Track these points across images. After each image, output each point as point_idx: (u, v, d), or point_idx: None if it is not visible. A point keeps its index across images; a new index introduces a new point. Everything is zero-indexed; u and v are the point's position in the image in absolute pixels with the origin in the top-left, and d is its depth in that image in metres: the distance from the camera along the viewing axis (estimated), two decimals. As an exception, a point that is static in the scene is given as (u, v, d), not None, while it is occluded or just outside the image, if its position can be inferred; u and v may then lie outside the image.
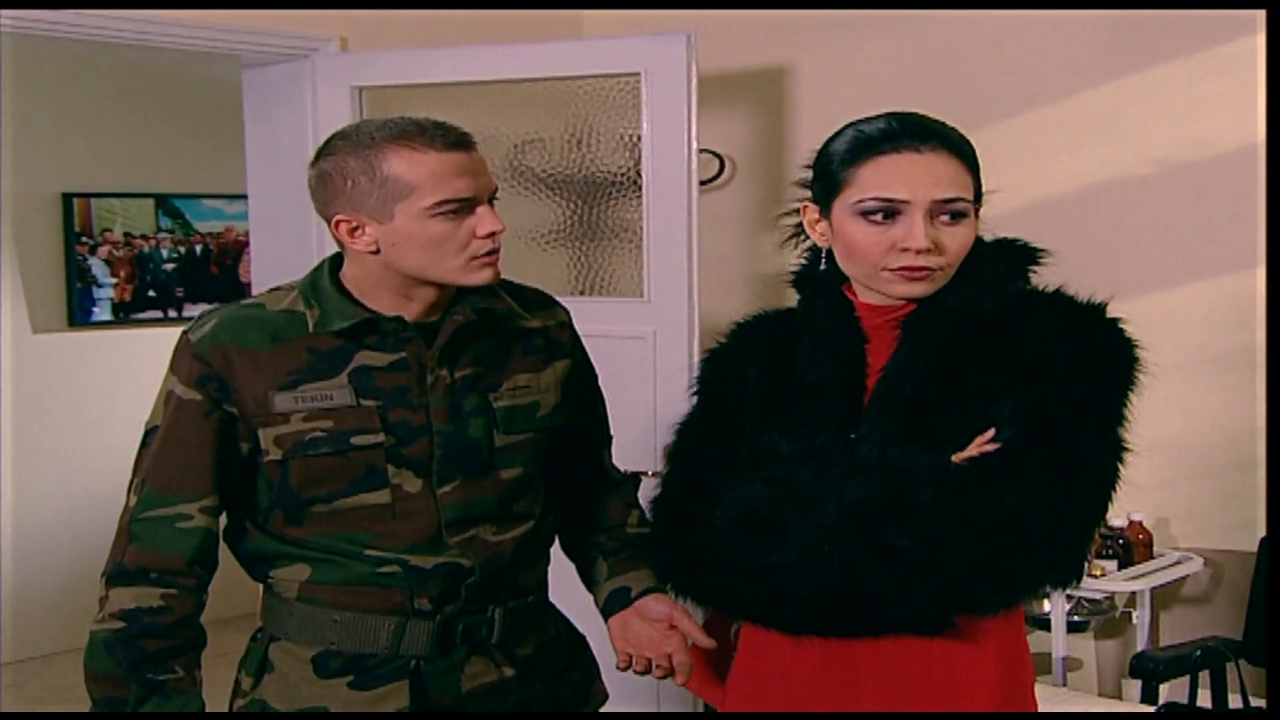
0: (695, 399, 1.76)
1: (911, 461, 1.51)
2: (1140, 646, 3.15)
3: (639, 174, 3.13)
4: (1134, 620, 3.20)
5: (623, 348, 3.05)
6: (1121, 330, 1.54)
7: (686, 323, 3.07)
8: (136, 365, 4.95)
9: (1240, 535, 3.14)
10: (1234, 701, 2.88)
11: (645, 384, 3.09)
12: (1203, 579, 3.23)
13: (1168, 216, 3.19)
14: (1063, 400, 1.50)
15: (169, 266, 5.24)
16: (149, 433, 1.72)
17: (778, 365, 1.67)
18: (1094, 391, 1.51)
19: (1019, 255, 1.62)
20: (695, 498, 1.65)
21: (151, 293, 5.19)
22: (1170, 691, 2.98)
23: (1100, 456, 1.51)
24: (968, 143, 1.58)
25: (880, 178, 1.54)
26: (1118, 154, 3.20)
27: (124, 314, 5.12)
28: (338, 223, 1.68)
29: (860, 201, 1.55)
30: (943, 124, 1.58)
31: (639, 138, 3.10)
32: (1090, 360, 1.52)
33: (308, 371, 1.69)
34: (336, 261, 1.77)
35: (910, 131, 1.55)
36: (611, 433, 2.00)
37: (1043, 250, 1.62)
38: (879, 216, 1.54)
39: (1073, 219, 3.21)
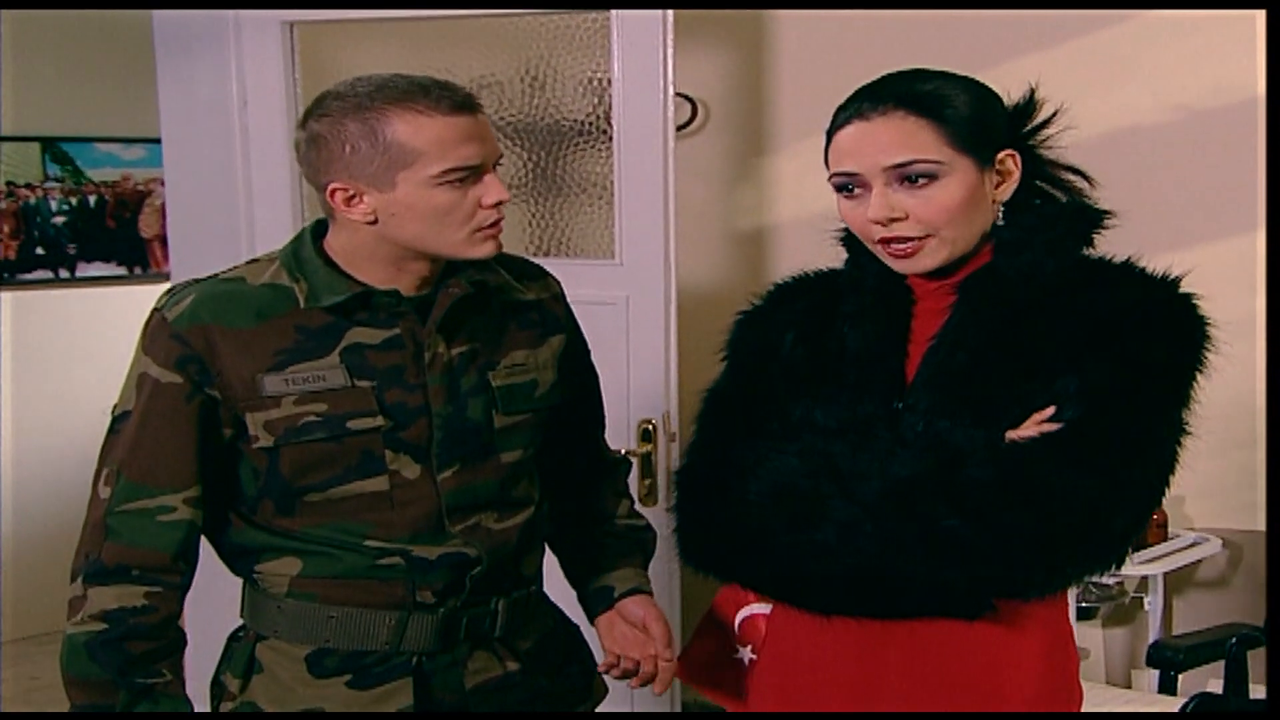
0: (725, 363, 1.86)
1: (963, 437, 1.61)
2: (1153, 634, 3.28)
3: (608, 121, 3.17)
4: (1146, 606, 3.33)
5: (591, 315, 3.03)
6: (1196, 308, 1.64)
7: (663, 287, 3.12)
8: (25, 333, 4.93)
9: (1260, 514, 3.27)
10: (1257, 691, 3.01)
11: (617, 356, 3.14)
12: (1220, 561, 3.37)
13: (1186, 168, 3.29)
14: (1134, 382, 1.59)
15: (59, 220, 5.21)
16: (119, 419, 1.79)
17: (818, 330, 1.77)
18: (1166, 374, 1.61)
19: (1082, 218, 1.71)
20: (722, 469, 1.74)
21: (40, 250, 5.17)
22: (1185, 682, 3.10)
23: (1166, 441, 1.60)
24: (949, 94, 1.65)
25: (835, 153, 1.69)
26: (1133, 99, 3.29)
27: (9, 274, 5.10)
28: (332, 190, 1.74)
29: (831, 178, 1.69)
30: (917, 78, 1.67)
31: (608, 80, 3.14)
32: (1164, 341, 1.61)
33: (296, 351, 1.76)
34: (318, 230, 1.83)
35: (866, 98, 1.66)
36: (604, 412, 2.07)
37: (1108, 212, 1.72)
38: (850, 191, 1.67)
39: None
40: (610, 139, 3.15)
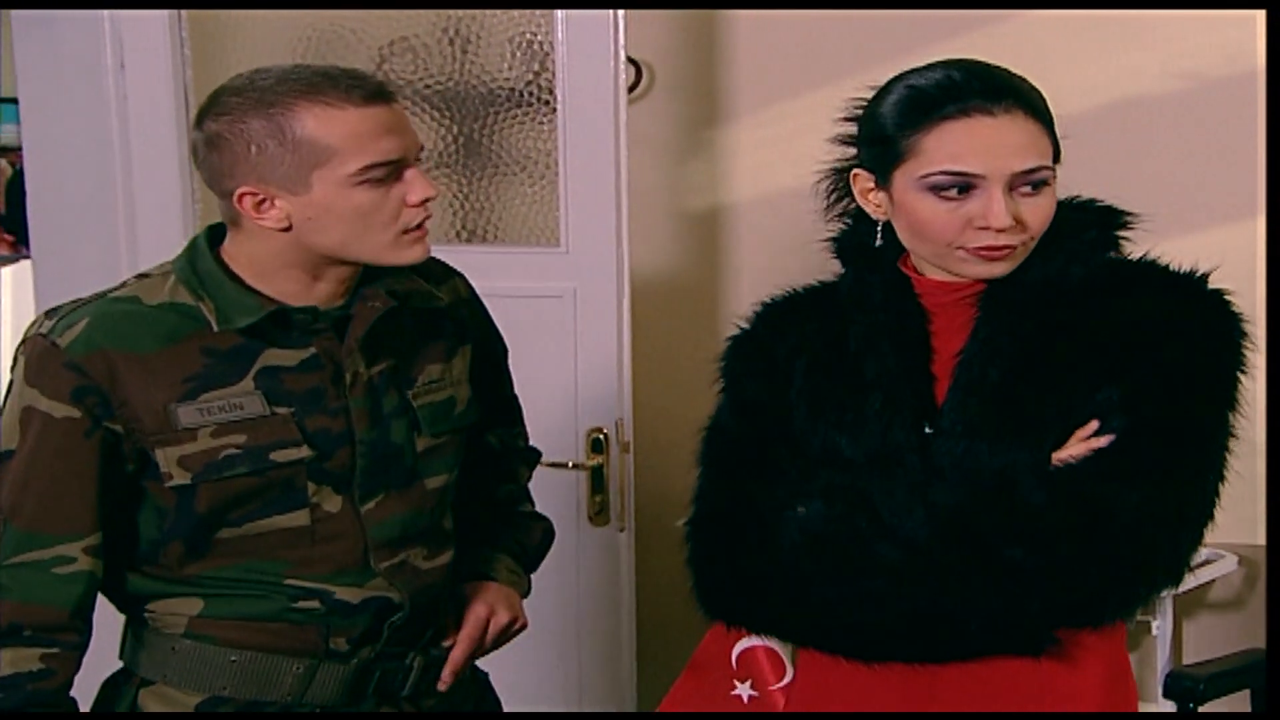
0: (723, 395, 1.98)
1: (1007, 459, 1.74)
2: (1162, 661, 3.44)
3: (547, 88, 3.26)
4: (1153, 631, 3.48)
5: (533, 310, 3.18)
6: (1229, 304, 1.80)
7: (615, 277, 3.21)
8: None
9: (1264, 530, 3.43)
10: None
11: (563, 356, 3.23)
12: (1234, 580, 3.54)
13: (1195, 143, 3.45)
14: (1178, 387, 1.74)
15: (-122, 198, 5.17)
16: None
17: (829, 356, 1.88)
18: (1211, 378, 1.76)
19: (1107, 219, 1.85)
20: (741, 516, 1.86)
21: None
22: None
23: (1219, 447, 1.76)
24: (1041, 95, 1.80)
25: (949, 148, 1.74)
26: (1138, 65, 3.45)
27: None
28: (241, 196, 1.82)
29: (927, 175, 1.76)
30: (1011, 74, 1.80)
31: (550, 41, 3.23)
32: (1203, 341, 1.77)
33: (206, 377, 1.84)
34: (213, 238, 1.91)
35: (979, 89, 1.75)
36: (514, 411, 2.25)
37: (1130, 213, 1.86)
38: (952, 191, 1.75)
39: (1082, 144, 3.43)
40: (552, 109, 3.24)
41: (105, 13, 3.39)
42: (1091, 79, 3.49)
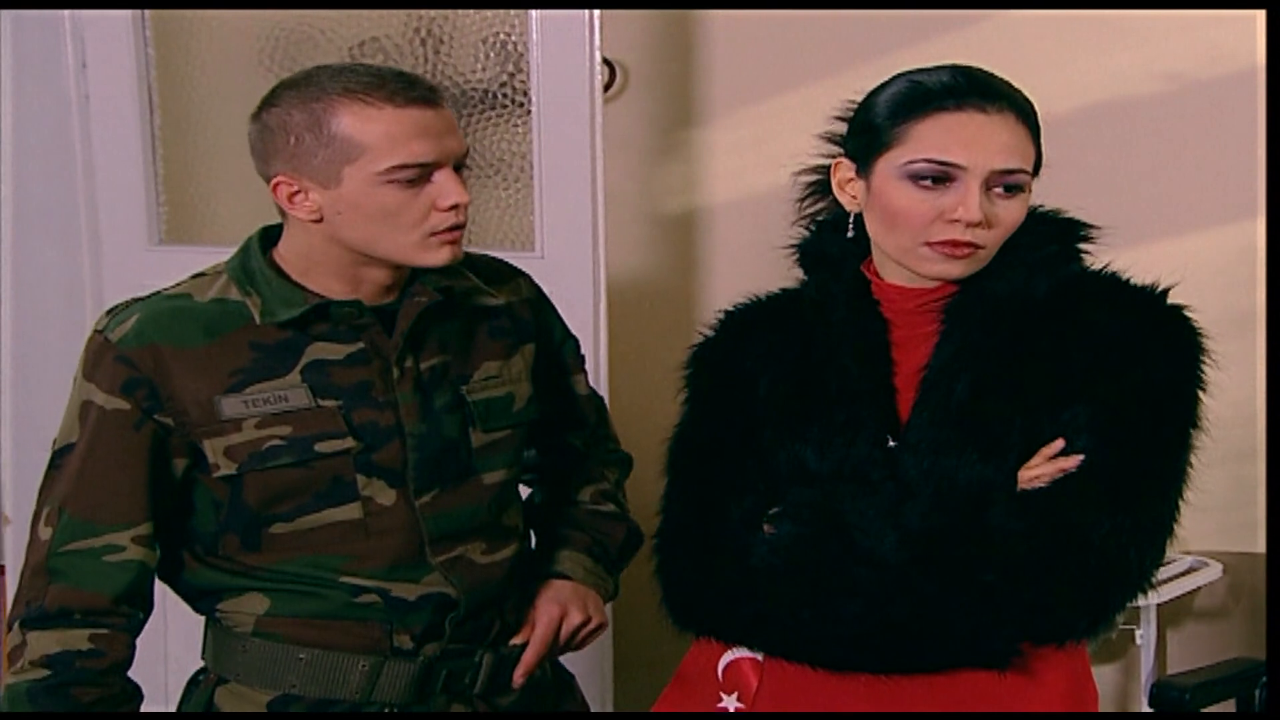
0: (687, 406, 2.03)
1: (973, 474, 1.79)
2: (1145, 670, 3.48)
3: (521, 89, 3.27)
4: (1137, 640, 3.51)
5: None
6: (1189, 321, 1.86)
7: (591, 282, 3.25)
8: None
9: (1264, 535, 3.47)
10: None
11: (539, 361, 3.23)
12: (1219, 589, 3.58)
13: (1177, 146, 3.49)
14: (1145, 410, 1.80)
15: None
16: (60, 452, 1.93)
17: (793, 368, 1.94)
18: (1174, 397, 1.82)
19: (1069, 232, 1.91)
20: (709, 529, 1.91)
21: None
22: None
23: (1183, 466, 1.83)
24: (1033, 108, 1.86)
25: (938, 137, 1.80)
26: (1120, 66, 3.48)
27: None
28: (276, 184, 1.91)
29: (910, 162, 1.81)
30: (1012, 86, 1.86)
31: (524, 42, 3.24)
32: (1165, 360, 1.83)
33: (254, 370, 1.91)
34: (266, 239, 1.99)
35: (977, 89, 1.82)
36: (594, 413, 2.27)
37: (1092, 225, 1.92)
38: (929, 181, 1.81)
39: (1063, 147, 3.46)
40: (526, 111, 3.27)
41: (66, 12, 3.39)
42: (1072, 80, 3.51)
